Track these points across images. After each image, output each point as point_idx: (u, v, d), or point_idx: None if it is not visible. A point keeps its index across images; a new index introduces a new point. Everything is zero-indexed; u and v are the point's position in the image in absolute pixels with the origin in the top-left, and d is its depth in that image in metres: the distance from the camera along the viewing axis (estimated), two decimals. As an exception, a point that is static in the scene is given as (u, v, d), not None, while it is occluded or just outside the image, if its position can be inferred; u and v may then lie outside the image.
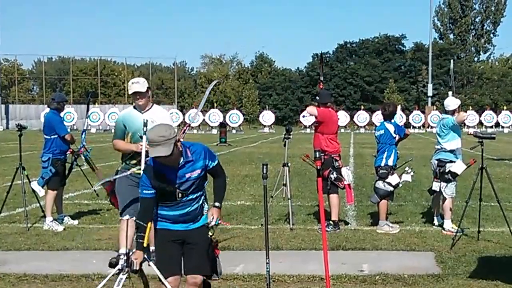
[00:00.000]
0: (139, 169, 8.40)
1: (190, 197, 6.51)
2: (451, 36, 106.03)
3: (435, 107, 74.81)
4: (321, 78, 13.34)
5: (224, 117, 67.80)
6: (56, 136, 12.23)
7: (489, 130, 67.72)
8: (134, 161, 9.29)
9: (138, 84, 9.02)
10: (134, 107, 9.25)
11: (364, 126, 72.44)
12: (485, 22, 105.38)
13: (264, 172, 6.01)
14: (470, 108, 74.75)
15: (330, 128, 12.20)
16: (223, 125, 45.39)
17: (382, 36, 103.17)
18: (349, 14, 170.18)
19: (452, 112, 12.11)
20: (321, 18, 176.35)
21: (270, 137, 54.40)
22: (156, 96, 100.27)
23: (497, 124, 72.15)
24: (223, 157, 29.97)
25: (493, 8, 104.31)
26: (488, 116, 72.48)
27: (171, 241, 6.44)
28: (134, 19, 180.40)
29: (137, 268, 6.35)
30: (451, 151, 11.89)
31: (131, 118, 9.25)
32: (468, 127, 67.11)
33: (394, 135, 12.20)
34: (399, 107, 66.33)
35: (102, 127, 67.67)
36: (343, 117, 67.23)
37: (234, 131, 64.96)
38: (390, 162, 12.03)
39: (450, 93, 15.66)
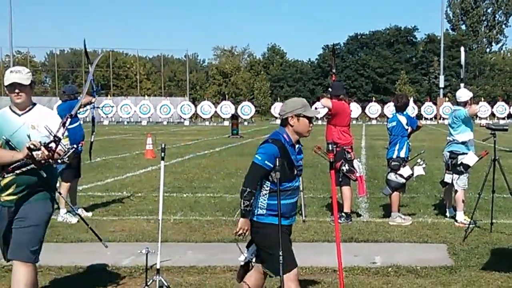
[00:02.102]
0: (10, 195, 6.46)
1: (296, 184, 6.43)
2: (463, 27, 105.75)
3: (447, 99, 74.59)
4: (333, 71, 13.33)
5: (236, 109, 67.83)
6: (70, 127, 12.20)
7: (501, 122, 67.57)
8: (8, 192, 6.46)
9: (19, 74, 6.50)
10: (10, 108, 6.64)
11: (376, 118, 72.40)
12: (497, 13, 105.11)
13: (277, 165, 6.01)
14: (482, 99, 74.55)
15: (343, 120, 12.21)
16: (235, 117, 45.40)
17: (393, 28, 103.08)
18: (360, 6, 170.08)
19: (464, 104, 12.08)
20: (332, 9, 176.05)
21: (281, 129, 54.27)
22: (168, 88, 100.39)
23: (510, 115, 71.97)
24: (235, 149, 30.04)
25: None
26: (500, 108, 72.28)
27: (286, 235, 6.40)
28: (146, 11, 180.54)
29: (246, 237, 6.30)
30: (463, 143, 11.87)
31: (3, 121, 6.54)
32: (480, 118, 66.87)
33: (406, 127, 12.18)
34: (411, 99, 66.24)
35: (114, 119, 67.77)
36: (354, 109, 67.15)
37: (246, 123, 64.98)
38: (402, 154, 12.03)
39: (462, 85, 15.53)
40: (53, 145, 6.03)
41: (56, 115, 6.82)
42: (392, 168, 12.12)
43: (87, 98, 12.70)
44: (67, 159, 6.26)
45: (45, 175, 6.23)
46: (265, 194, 6.24)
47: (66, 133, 6.51)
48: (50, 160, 6.08)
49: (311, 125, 6.36)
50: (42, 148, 5.96)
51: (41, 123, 6.43)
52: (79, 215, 8.34)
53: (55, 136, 6.04)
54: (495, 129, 11.01)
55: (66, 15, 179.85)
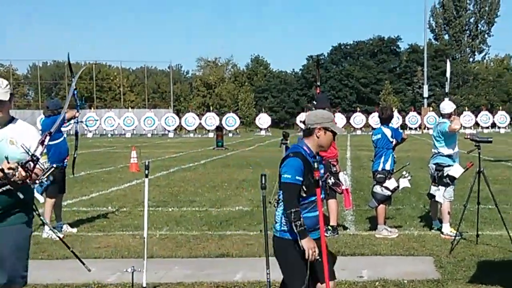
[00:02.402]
0: None
1: (321, 196, 6.35)
2: (446, 37, 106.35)
3: (431, 108, 75.03)
4: (318, 83, 13.34)
5: (221, 120, 67.83)
6: (53, 143, 12.12)
7: (485, 131, 67.96)
8: None
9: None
10: None
11: (361, 128, 72.59)
12: (480, 22, 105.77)
13: (263, 182, 5.98)
14: (466, 108, 74.98)
15: (328, 133, 12.17)
16: (219, 128, 45.38)
17: (376, 38, 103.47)
18: (343, 16, 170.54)
19: (448, 116, 12.12)
20: (316, 20, 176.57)
21: (266, 140, 54.41)
22: (152, 100, 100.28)
23: (493, 125, 72.31)
24: (220, 161, 30.02)
25: (487, 9, 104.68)
26: (484, 117, 72.74)
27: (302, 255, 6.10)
28: (129, 23, 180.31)
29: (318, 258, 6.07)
30: (448, 155, 11.90)
31: None
32: (465, 128, 67.30)
33: (391, 140, 12.18)
34: (395, 110, 66.51)
35: (98, 131, 67.57)
36: (339, 119, 67.13)
37: (230, 135, 65.00)
38: (388, 167, 12.02)
39: (446, 99, 15.56)
40: (30, 164, 5.79)
41: (36, 132, 6.38)
42: (378, 180, 12.12)
43: (70, 113, 12.62)
44: (45, 179, 6.08)
45: (22, 196, 5.86)
46: None
47: (45, 150, 6.31)
48: (28, 181, 5.84)
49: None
50: (19, 168, 5.72)
51: (20, 139, 6.06)
52: (60, 238, 8.09)
53: (32, 155, 5.82)
54: (479, 141, 11.04)
55: (49, 28, 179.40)
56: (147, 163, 8.49)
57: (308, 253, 5.93)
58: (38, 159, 5.78)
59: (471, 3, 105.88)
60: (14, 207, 6.06)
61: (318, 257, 6.01)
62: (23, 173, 5.68)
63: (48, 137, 6.08)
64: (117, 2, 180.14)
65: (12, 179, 5.66)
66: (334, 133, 6.33)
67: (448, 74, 14.26)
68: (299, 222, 5.91)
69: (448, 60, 16.28)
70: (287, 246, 6.08)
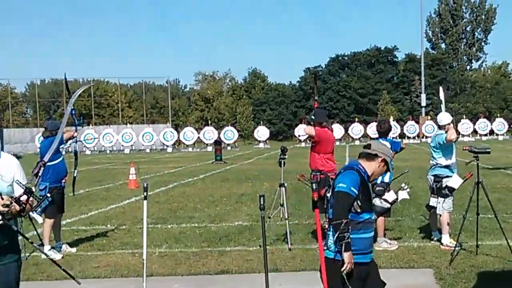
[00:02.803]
0: None
1: (373, 217, 6.42)
2: (443, 45, 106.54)
3: (429, 117, 74.97)
4: (316, 97, 13.36)
5: (219, 134, 67.79)
6: (52, 163, 12.11)
7: (484, 139, 67.99)
8: None
9: None
10: None
11: (359, 138, 72.59)
12: (476, 30, 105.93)
13: (261, 203, 5.97)
14: (464, 116, 75.02)
15: (326, 148, 12.21)
16: (218, 142, 45.35)
17: (373, 48, 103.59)
18: (340, 28, 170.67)
19: (446, 127, 12.17)
20: (313, 32, 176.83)
21: (265, 152, 54.38)
22: (150, 115, 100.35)
23: (492, 132, 72.35)
24: (219, 175, 30.00)
25: (483, 17, 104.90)
26: (482, 124, 72.73)
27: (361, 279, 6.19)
28: (126, 39, 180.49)
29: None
30: (447, 166, 11.93)
31: None
32: (463, 135, 67.32)
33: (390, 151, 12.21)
34: (393, 120, 66.58)
35: (97, 148, 67.52)
36: (337, 129, 67.36)
37: (229, 148, 64.97)
38: (387, 179, 12.01)
39: (443, 110, 15.60)
40: (24, 197, 5.68)
41: (18, 163, 6.02)
42: (377, 193, 12.04)
43: (68, 133, 12.62)
44: (39, 209, 6.02)
45: (15, 228, 5.79)
46: None
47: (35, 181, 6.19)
48: (22, 213, 5.73)
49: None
50: (13, 203, 5.60)
51: (5, 172, 5.80)
52: (47, 255, 7.90)
53: (27, 188, 5.72)
54: (478, 152, 11.05)
55: (46, 45, 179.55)
56: (145, 185, 8.48)
57: (345, 267, 5.96)
58: (32, 192, 5.68)
59: (467, 11, 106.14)
60: (7, 244, 5.79)
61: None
62: (17, 208, 5.56)
63: (42, 168, 6.00)
64: (114, 18, 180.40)
65: (4, 214, 5.53)
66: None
67: (442, 98, 14.42)
68: (347, 234, 5.92)
69: (441, 88, 16.39)
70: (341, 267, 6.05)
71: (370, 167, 6.34)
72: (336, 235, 5.95)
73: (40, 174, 6.01)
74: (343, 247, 5.94)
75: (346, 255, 5.96)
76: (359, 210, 6.08)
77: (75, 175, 13.13)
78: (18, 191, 5.66)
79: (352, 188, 6.05)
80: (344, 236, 5.92)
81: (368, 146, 6.50)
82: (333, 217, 6.04)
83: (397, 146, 12.54)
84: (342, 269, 5.98)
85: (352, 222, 6.04)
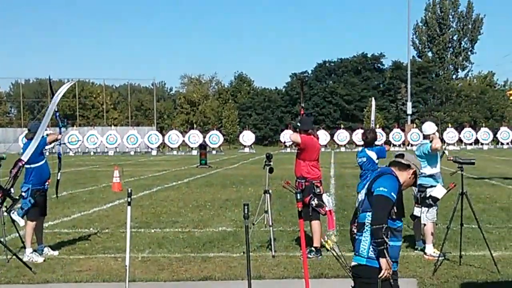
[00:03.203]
0: None
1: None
2: (430, 54, 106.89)
3: (414, 125, 75.23)
4: (302, 104, 13.36)
5: (204, 137, 67.69)
6: (35, 165, 12.00)
7: (469, 148, 68.28)
8: None
9: None
10: None
11: (345, 145, 72.74)
12: (463, 40, 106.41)
13: (245, 212, 5.92)
14: (450, 125, 75.29)
15: (312, 155, 12.18)
16: (203, 146, 45.25)
17: (360, 55, 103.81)
18: (327, 34, 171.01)
19: (430, 137, 12.21)
20: (300, 37, 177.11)
21: (250, 157, 54.37)
22: (135, 117, 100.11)
23: (477, 141, 72.66)
24: (203, 179, 29.94)
25: (470, 26, 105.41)
26: (468, 133, 73.03)
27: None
28: (112, 40, 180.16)
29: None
30: (431, 176, 11.94)
31: None
32: (448, 144, 67.57)
33: (376, 161, 12.24)
34: (379, 128, 66.67)
35: (81, 149, 67.28)
36: (323, 136, 67.41)
37: (214, 152, 64.91)
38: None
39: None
40: None
41: None
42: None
43: (52, 136, 12.53)
44: (20, 211, 5.97)
45: None
46: None
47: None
48: None
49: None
50: None
51: None
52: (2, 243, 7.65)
53: (4, 189, 5.66)
54: (462, 162, 11.07)
55: (31, 45, 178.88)
56: (129, 191, 8.40)
57: (383, 273, 5.88)
58: (9, 192, 5.62)
59: (454, 20, 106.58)
60: None
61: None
62: None
63: (21, 169, 5.93)
64: (100, 19, 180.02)
65: None
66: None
67: (373, 111, 14.62)
68: (387, 239, 5.84)
69: (373, 98, 16.65)
70: (375, 274, 5.97)
71: (401, 176, 6.30)
72: (377, 240, 5.84)
73: (18, 174, 5.96)
74: (381, 252, 5.85)
75: (385, 261, 5.87)
76: (394, 217, 6.02)
77: (58, 177, 13.06)
78: None
79: (392, 193, 5.99)
80: (384, 241, 5.83)
81: (401, 156, 6.44)
82: (373, 221, 5.90)
83: (383, 153, 12.57)
84: (380, 276, 5.89)
85: (389, 228, 5.97)
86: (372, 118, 14.77)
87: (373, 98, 18.08)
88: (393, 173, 6.26)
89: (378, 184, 6.06)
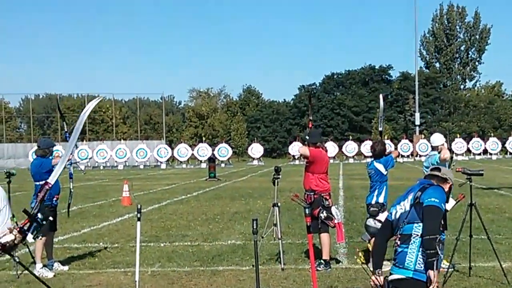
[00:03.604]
0: None
1: None
2: (437, 64, 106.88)
3: (423, 136, 75.15)
4: (310, 117, 13.40)
5: (213, 150, 67.74)
6: (43, 183, 12.01)
7: (477, 158, 68.10)
8: None
9: None
10: None
11: (353, 156, 72.70)
12: (470, 50, 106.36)
13: (254, 227, 5.94)
14: (458, 135, 75.17)
15: (321, 167, 12.22)
16: (212, 159, 45.32)
17: (368, 67, 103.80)
18: (335, 46, 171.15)
19: (439, 147, 12.24)
20: (308, 50, 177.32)
21: (259, 170, 54.37)
22: (145, 131, 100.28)
23: (485, 151, 72.47)
24: (213, 192, 29.97)
25: (477, 37, 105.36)
26: (476, 144, 72.87)
27: None
28: (121, 55, 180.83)
29: None
30: (440, 187, 11.93)
31: None
32: (457, 154, 67.43)
33: (384, 173, 12.25)
34: (387, 140, 66.58)
35: (90, 164, 67.42)
36: (331, 147, 67.40)
37: (223, 165, 64.92)
38: (381, 200, 12.03)
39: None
40: (27, 225, 5.61)
41: (4, 192, 6.25)
42: (371, 214, 12.11)
43: (57, 160, 12.48)
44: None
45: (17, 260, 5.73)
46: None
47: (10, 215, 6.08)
48: (22, 242, 5.68)
49: None
50: (17, 234, 5.55)
51: None
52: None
53: (32, 215, 5.68)
54: (471, 174, 11.06)
55: (41, 61, 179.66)
56: (139, 206, 8.42)
57: (433, 286, 5.80)
58: (36, 217, 5.64)
59: (462, 31, 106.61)
60: None
61: None
62: (20, 237, 5.55)
63: (45, 194, 5.91)
64: (110, 34, 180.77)
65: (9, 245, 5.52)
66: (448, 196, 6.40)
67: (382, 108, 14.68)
68: (439, 251, 5.77)
69: (380, 95, 16.72)
70: None
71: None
72: (430, 251, 5.74)
73: (45, 199, 5.94)
74: (432, 264, 5.75)
75: (436, 274, 5.80)
76: (441, 229, 5.96)
77: (70, 201, 13.17)
78: (7, 218, 5.61)
79: (442, 204, 5.97)
80: (437, 253, 5.75)
81: (437, 170, 6.43)
82: (426, 232, 5.81)
83: (391, 163, 12.54)
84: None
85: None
86: (381, 114, 14.90)
87: (381, 95, 18.10)
88: (440, 185, 6.25)
89: (428, 195, 6.00)
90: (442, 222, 6.01)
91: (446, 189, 6.36)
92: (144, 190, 31.91)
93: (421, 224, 5.93)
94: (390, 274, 6.11)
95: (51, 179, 6.33)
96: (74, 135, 6.87)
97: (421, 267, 5.87)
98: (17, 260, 7.07)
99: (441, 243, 5.89)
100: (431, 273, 5.78)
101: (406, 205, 6.19)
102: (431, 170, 6.49)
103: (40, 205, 5.93)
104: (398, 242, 6.08)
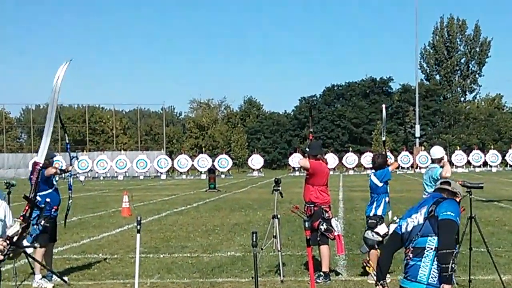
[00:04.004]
0: None
1: None
2: (437, 77, 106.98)
3: (423, 148, 75.19)
4: (311, 130, 13.43)
5: (213, 161, 67.73)
6: (44, 193, 12.07)
7: (477, 170, 68.14)
8: None
9: None
10: None
11: (353, 168, 72.70)
12: (470, 63, 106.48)
13: (254, 240, 5.93)
14: (458, 148, 75.24)
15: (321, 180, 12.24)
16: (212, 170, 45.36)
17: (368, 79, 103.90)
18: (335, 58, 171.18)
19: (439, 161, 12.25)
20: (308, 62, 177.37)
21: (259, 181, 54.35)
22: (145, 142, 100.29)
23: (485, 164, 72.48)
24: (212, 204, 29.97)
25: (477, 49, 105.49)
26: (476, 156, 72.91)
27: None
28: (121, 66, 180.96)
29: None
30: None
31: None
32: (457, 166, 67.47)
33: (380, 185, 12.27)
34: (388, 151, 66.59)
35: (90, 175, 67.39)
36: (331, 159, 67.43)
37: (223, 176, 64.86)
38: (379, 212, 12.05)
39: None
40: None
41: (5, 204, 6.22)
42: (369, 226, 12.10)
43: (50, 170, 12.40)
44: (29, 237, 5.98)
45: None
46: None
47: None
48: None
49: None
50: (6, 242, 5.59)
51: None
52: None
53: (29, 199, 5.72)
54: (471, 186, 11.05)
55: (41, 71, 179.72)
56: (139, 218, 8.42)
57: None
58: (35, 200, 5.71)
59: (462, 44, 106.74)
60: None
61: None
62: (24, 223, 5.62)
63: (38, 174, 5.91)
64: (110, 45, 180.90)
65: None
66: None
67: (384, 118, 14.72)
68: (454, 265, 5.75)
69: (383, 105, 16.77)
70: None
71: None
72: (445, 265, 5.72)
73: (39, 180, 5.94)
74: (447, 279, 5.74)
75: (450, 287, 5.80)
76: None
77: (68, 209, 13.15)
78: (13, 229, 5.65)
79: (457, 218, 5.97)
80: (453, 267, 5.72)
81: (447, 183, 6.40)
82: (443, 246, 5.78)
83: (386, 176, 12.54)
84: None
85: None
86: (383, 124, 15.02)
87: (383, 105, 18.26)
88: (454, 199, 6.24)
89: (444, 209, 5.97)
90: (457, 236, 6.02)
91: None
92: (144, 201, 31.89)
93: (435, 237, 5.89)
94: (400, 287, 6.06)
95: (39, 158, 6.31)
96: (51, 107, 6.75)
97: (434, 281, 5.83)
98: (16, 273, 7.09)
99: (455, 257, 5.87)
100: (446, 287, 5.75)
101: (419, 218, 6.12)
102: (441, 184, 6.47)
103: (36, 188, 5.94)
104: (411, 255, 6.02)
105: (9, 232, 5.63)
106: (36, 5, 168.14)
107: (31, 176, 6.11)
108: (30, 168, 30.17)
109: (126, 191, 27.61)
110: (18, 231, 5.65)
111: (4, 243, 5.50)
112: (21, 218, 5.69)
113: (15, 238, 5.62)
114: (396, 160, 63.00)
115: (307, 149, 12.61)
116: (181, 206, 28.70)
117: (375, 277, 6.41)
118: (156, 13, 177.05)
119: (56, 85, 6.59)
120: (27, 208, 5.75)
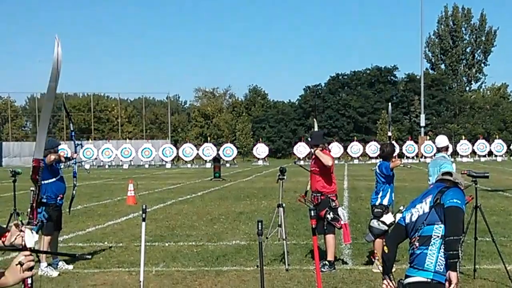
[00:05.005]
0: None
1: None
2: (443, 66, 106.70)
3: (428, 137, 75.05)
4: (315, 120, 13.41)
5: (218, 150, 67.73)
6: (49, 181, 12.10)
7: (482, 160, 68.06)
8: None
9: None
10: None
11: (358, 157, 72.65)
12: (476, 52, 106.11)
13: (259, 229, 5.92)
14: (463, 137, 75.08)
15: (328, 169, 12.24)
16: (217, 159, 45.37)
17: (374, 68, 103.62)
18: (340, 47, 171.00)
19: (445, 149, 12.25)
20: (313, 50, 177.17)
21: (264, 170, 54.36)
22: (150, 131, 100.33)
23: (490, 153, 72.36)
24: (217, 193, 29.97)
25: (483, 38, 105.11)
26: (481, 145, 72.73)
27: None
28: (127, 54, 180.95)
29: None
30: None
31: None
32: (462, 156, 67.39)
33: (382, 175, 12.26)
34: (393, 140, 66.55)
35: (96, 163, 67.44)
36: (336, 148, 67.42)
37: (228, 165, 64.85)
38: (385, 201, 12.04)
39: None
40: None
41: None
42: (375, 215, 12.11)
43: (51, 156, 12.29)
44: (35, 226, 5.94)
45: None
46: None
47: None
48: None
49: None
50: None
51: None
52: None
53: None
54: (476, 176, 11.04)
55: (46, 59, 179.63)
56: (144, 207, 8.43)
57: (453, 287, 5.72)
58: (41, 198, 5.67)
59: (467, 33, 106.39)
60: None
61: None
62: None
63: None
64: (115, 34, 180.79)
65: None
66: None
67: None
68: (461, 253, 5.75)
69: (389, 104, 16.65)
70: None
71: None
72: (452, 252, 5.70)
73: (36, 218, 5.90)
74: (454, 266, 5.72)
75: (456, 275, 5.74)
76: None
77: (73, 195, 13.17)
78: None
79: (464, 206, 5.94)
80: (459, 255, 5.74)
81: (449, 174, 6.37)
82: (450, 233, 5.75)
83: (385, 171, 12.47)
84: None
85: None
86: (389, 120, 15.10)
87: (389, 104, 18.30)
88: (459, 187, 6.23)
89: (450, 197, 5.94)
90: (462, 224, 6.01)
91: None
92: (149, 189, 31.91)
93: (441, 225, 5.84)
94: (406, 276, 6.02)
95: (38, 154, 6.20)
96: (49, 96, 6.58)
97: (441, 268, 5.78)
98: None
99: (461, 245, 5.87)
100: (452, 274, 5.72)
101: (424, 207, 6.06)
102: (443, 174, 6.44)
103: (39, 193, 5.87)
104: (417, 244, 5.95)
105: (30, 245, 5.60)
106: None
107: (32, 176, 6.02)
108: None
109: (131, 179, 27.64)
110: (36, 241, 5.63)
111: (30, 257, 5.47)
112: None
113: (36, 247, 5.60)
114: (399, 156, 63.03)
115: (309, 139, 12.59)
116: (186, 195, 28.71)
117: (381, 269, 6.38)
118: (162, 1, 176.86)
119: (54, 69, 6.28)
120: (35, 214, 5.69)
